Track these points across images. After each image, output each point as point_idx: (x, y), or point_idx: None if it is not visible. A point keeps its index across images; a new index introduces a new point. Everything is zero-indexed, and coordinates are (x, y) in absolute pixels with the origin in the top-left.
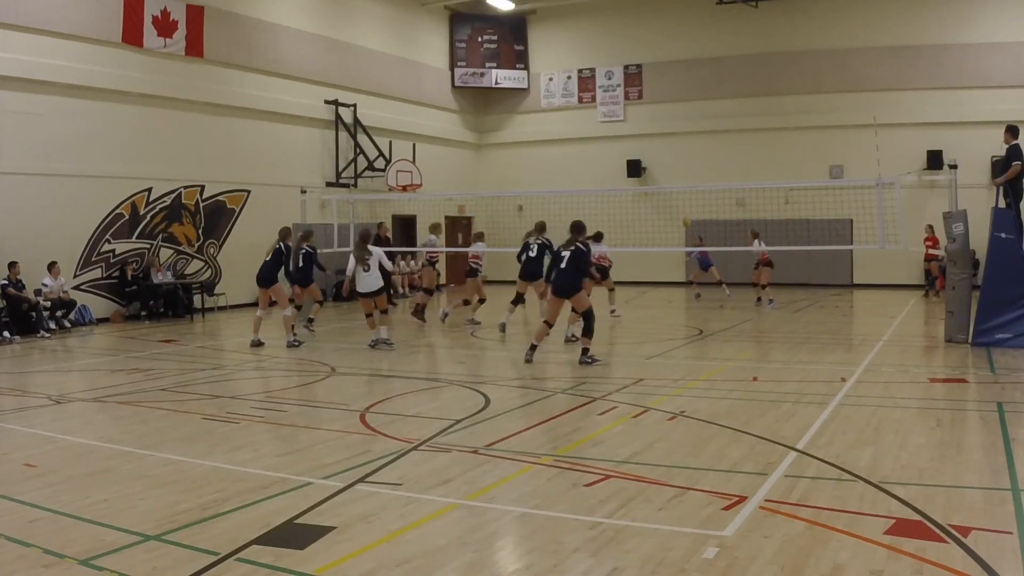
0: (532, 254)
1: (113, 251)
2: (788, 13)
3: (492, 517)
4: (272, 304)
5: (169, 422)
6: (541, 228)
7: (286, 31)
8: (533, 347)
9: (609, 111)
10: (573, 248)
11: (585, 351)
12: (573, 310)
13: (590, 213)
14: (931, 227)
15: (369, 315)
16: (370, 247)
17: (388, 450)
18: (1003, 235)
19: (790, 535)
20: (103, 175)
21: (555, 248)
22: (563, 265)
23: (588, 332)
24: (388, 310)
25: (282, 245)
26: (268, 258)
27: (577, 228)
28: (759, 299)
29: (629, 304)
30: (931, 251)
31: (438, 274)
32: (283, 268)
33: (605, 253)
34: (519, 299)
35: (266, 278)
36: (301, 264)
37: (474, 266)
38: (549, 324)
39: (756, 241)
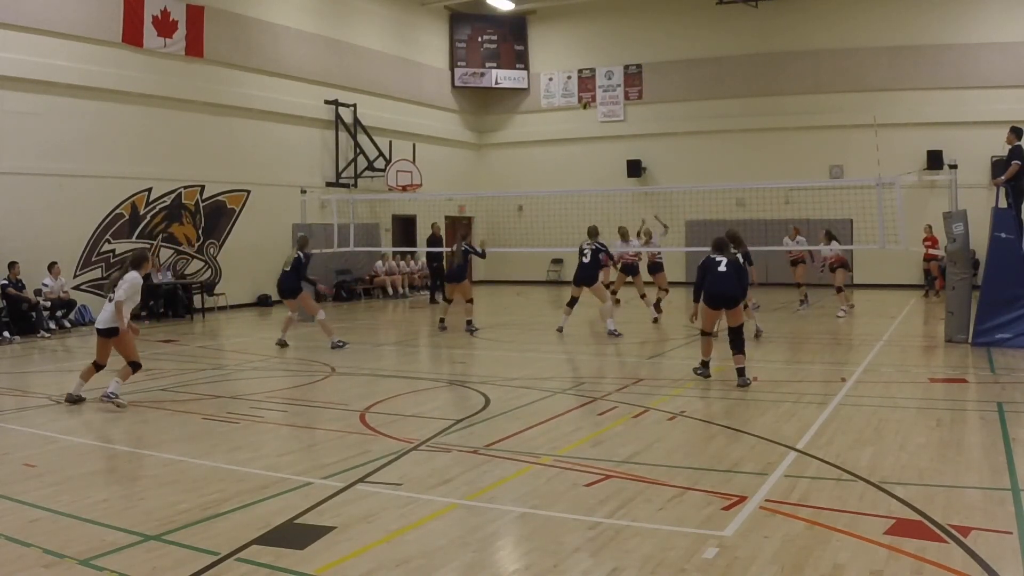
0: (586, 260)
1: (113, 251)
2: (788, 13)
3: (492, 517)
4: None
5: (169, 422)
6: (594, 233)
7: (286, 31)
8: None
9: (609, 111)
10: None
11: (740, 371)
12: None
13: (590, 213)
14: (930, 227)
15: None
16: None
17: (388, 450)
18: (1003, 235)
19: (790, 535)
20: (103, 175)
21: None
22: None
23: (740, 348)
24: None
25: (301, 255)
26: (287, 268)
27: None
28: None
29: (629, 304)
30: (931, 251)
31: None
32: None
33: (648, 248)
34: (573, 302)
35: (289, 289)
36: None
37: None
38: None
39: (833, 242)
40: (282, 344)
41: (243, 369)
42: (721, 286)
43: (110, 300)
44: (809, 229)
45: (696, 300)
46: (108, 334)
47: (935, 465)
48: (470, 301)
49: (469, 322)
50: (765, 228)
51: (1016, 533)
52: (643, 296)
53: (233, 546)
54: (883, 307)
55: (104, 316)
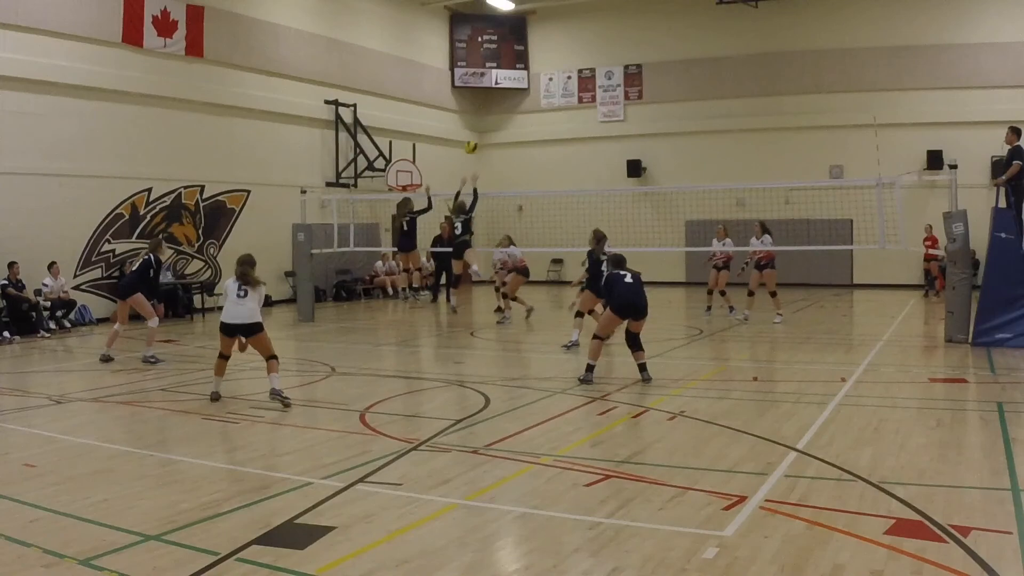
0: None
1: (113, 251)
2: (788, 13)
3: (492, 517)
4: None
5: (169, 422)
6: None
7: (286, 31)
8: None
9: (609, 111)
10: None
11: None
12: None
13: (590, 213)
14: (930, 227)
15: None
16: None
17: (388, 450)
18: (1003, 235)
19: (790, 535)
20: (103, 175)
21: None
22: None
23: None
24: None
25: (151, 257)
26: (134, 269)
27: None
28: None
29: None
30: (931, 251)
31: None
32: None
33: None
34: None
35: (124, 287)
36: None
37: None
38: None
39: (766, 236)
40: (106, 359)
41: (243, 369)
42: (633, 296)
43: (242, 296)
44: (809, 229)
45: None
46: (252, 330)
47: (935, 465)
48: (419, 270)
49: (416, 289)
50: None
51: (1016, 533)
52: (723, 294)
53: (233, 546)
54: (883, 307)
55: (243, 312)
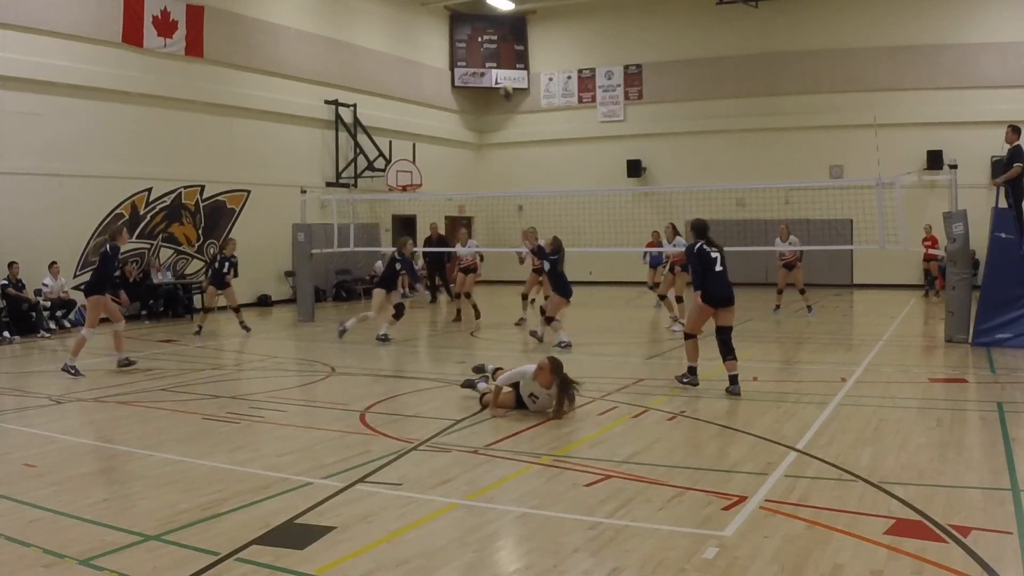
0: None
1: None
2: (788, 13)
3: (492, 517)
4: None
5: (169, 422)
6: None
7: (286, 31)
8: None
9: (609, 111)
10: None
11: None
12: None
13: (590, 213)
14: (929, 227)
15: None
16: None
17: (388, 450)
18: (1003, 235)
19: (790, 535)
20: (103, 175)
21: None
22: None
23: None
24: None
25: (108, 247)
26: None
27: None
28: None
29: (629, 304)
30: (930, 251)
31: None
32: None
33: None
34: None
35: (89, 286)
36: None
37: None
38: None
39: (677, 238)
40: (125, 363)
41: (243, 369)
42: (721, 285)
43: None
44: (809, 229)
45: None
46: None
47: (935, 465)
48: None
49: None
50: (765, 228)
51: (1016, 533)
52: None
53: (233, 546)
54: (883, 307)
55: None
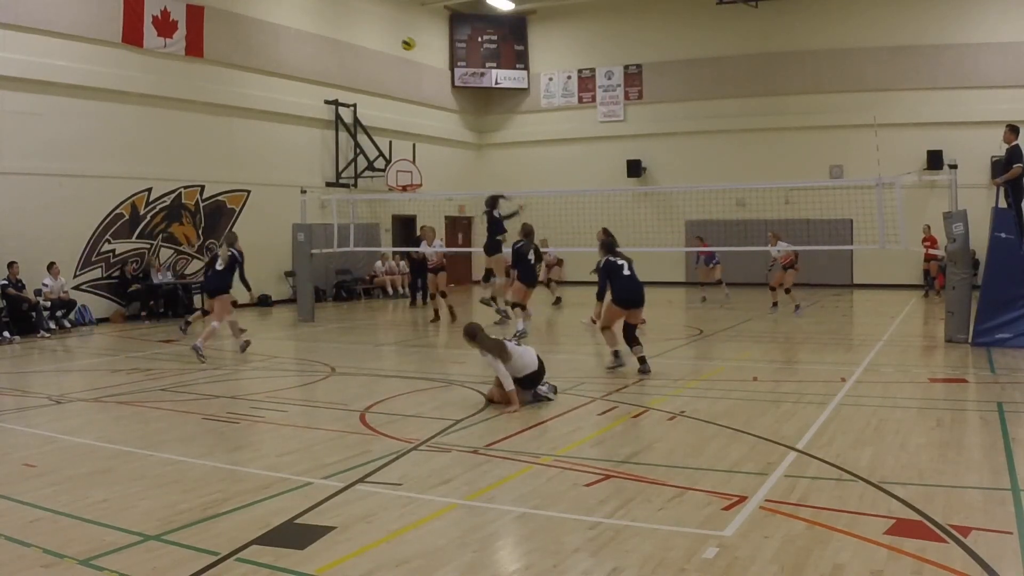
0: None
1: (113, 251)
2: (788, 13)
3: (492, 517)
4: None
5: (169, 422)
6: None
7: (286, 31)
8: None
9: (609, 111)
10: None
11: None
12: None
13: (590, 213)
14: (928, 227)
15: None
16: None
17: (388, 450)
18: (1003, 235)
19: (790, 535)
20: (103, 175)
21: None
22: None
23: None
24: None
25: (235, 251)
26: (220, 268)
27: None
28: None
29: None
30: (930, 251)
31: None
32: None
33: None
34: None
35: (218, 288)
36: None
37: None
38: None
39: (779, 242)
40: (245, 345)
41: (243, 369)
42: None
43: None
44: (809, 229)
45: (600, 300)
46: None
47: (935, 465)
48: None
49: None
50: (765, 228)
51: (1016, 533)
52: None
53: (233, 546)
54: (883, 307)
55: None
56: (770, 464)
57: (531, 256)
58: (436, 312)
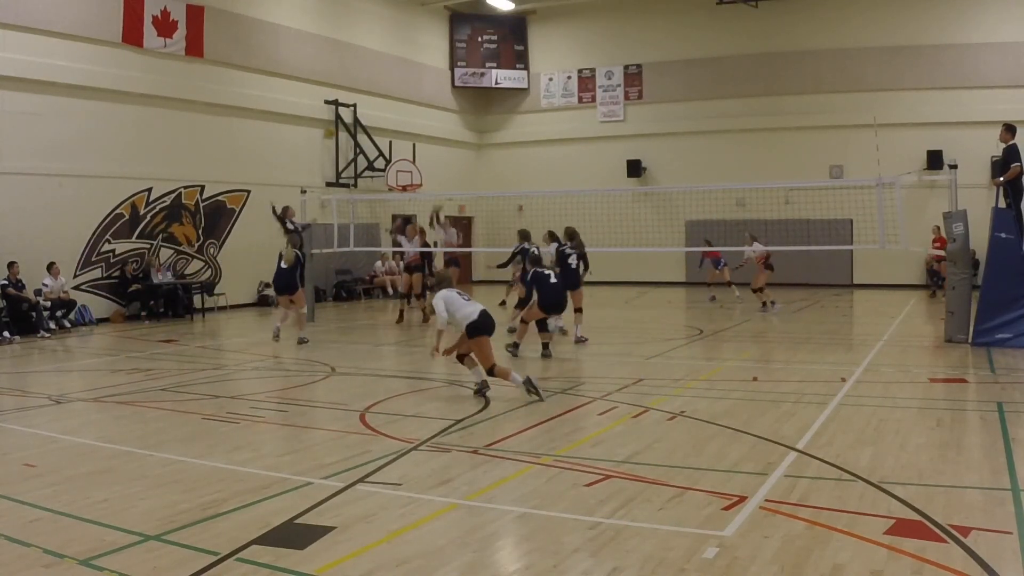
0: (572, 265)
1: (113, 251)
2: (788, 13)
3: (492, 517)
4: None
5: (169, 422)
6: (571, 235)
7: (286, 31)
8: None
9: (609, 111)
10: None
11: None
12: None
13: (590, 213)
14: (938, 228)
15: None
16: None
17: (388, 450)
18: (1003, 235)
19: (790, 535)
20: (103, 175)
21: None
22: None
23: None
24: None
25: (299, 253)
26: (286, 266)
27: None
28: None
29: (629, 304)
30: (940, 252)
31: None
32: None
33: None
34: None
35: (288, 285)
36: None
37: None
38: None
39: (755, 243)
40: (302, 341)
41: (243, 369)
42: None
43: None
44: (809, 229)
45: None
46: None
47: (935, 465)
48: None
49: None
50: (765, 228)
51: (1016, 533)
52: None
53: (233, 546)
54: (883, 307)
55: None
56: (770, 464)
57: (571, 260)
58: (401, 314)
